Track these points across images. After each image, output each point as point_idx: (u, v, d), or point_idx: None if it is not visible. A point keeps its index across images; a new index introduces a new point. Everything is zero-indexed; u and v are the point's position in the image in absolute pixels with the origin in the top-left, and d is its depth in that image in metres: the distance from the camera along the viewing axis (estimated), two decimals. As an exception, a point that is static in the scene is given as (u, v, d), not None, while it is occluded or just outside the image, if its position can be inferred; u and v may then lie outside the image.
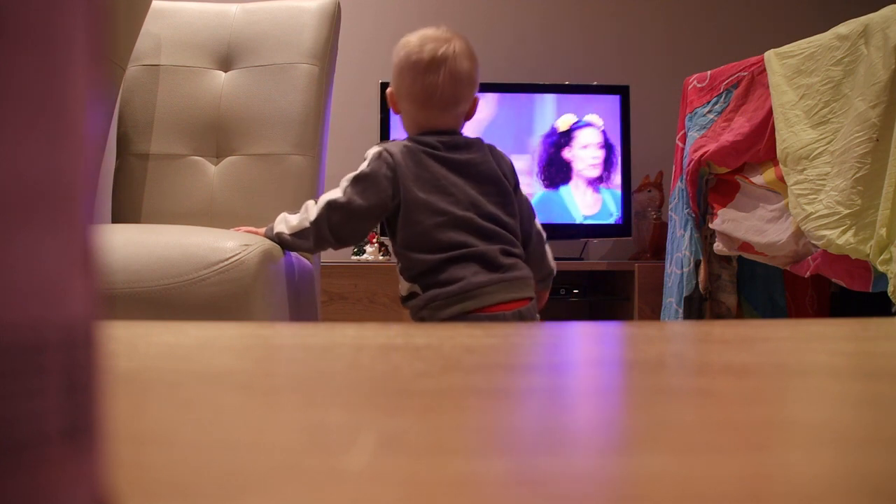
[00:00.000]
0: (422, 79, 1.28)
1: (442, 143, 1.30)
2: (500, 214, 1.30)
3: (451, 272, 1.25)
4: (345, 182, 1.30)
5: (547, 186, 2.62)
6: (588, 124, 2.64)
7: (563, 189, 2.62)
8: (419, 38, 1.30)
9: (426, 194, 1.26)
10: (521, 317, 1.28)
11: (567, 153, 2.62)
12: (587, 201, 2.62)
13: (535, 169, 2.61)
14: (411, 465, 0.23)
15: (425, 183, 1.27)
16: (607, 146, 2.63)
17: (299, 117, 1.64)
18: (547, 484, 0.21)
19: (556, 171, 2.62)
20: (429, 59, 1.28)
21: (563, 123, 2.63)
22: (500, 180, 1.33)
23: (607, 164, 2.63)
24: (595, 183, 2.62)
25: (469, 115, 1.35)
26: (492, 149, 1.36)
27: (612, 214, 2.62)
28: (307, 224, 1.30)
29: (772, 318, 2.09)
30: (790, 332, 0.64)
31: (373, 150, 1.31)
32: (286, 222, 1.33)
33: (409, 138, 1.33)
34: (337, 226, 1.29)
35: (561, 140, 2.63)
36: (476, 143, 1.34)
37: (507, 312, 1.26)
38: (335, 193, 1.30)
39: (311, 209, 1.31)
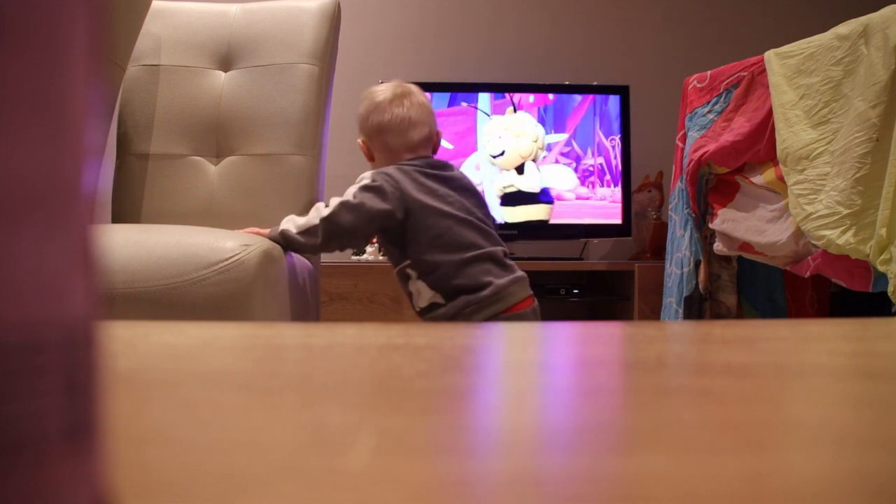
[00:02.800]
0: (390, 111, 1.45)
1: (425, 164, 1.44)
2: (486, 219, 1.45)
3: (473, 275, 1.35)
4: (353, 189, 1.37)
5: None
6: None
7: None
8: (381, 87, 1.50)
9: (431, 201, 1.37)
10: (535, 311, 1.44)
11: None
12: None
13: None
14: (411, 465, 0.23)
15: (425, 192, 1.38)
16: None
17: (299, 117, 1.64)
18: (547, 484, 0.21)
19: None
20: (392, 96, 1.46)
21: None
22: (477, 191, 1.48)
23: None
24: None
25: (435, 148, 1.51)
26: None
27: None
28: (317, 221, 1.34)
29: (772, 318, 2.09)
30: (790, 332, 0.64)
31: (367, 173, 1.40)
32: (293, 221, 1.38)
33: (395, 165, 1.43)
34: (348, 225, 1.34)
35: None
36: (449, 164, 1.51)
37: (526, 310, 1.40)
38: (346, 197, 1.37)
39: (323, 209, 1.37)
